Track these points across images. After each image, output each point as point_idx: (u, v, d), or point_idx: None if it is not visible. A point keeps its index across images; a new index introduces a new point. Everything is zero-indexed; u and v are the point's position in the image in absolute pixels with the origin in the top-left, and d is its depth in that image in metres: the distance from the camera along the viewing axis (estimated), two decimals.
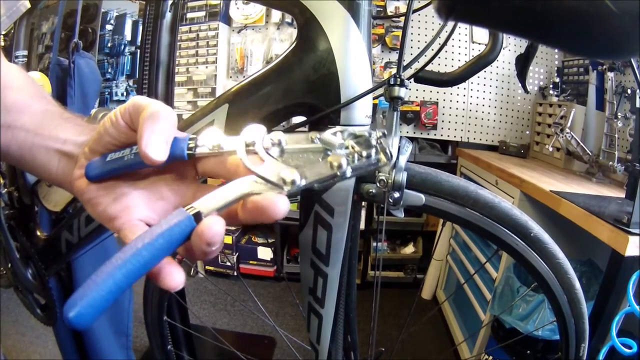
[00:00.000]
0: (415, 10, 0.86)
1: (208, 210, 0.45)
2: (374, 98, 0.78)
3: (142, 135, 0.48)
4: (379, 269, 3.16)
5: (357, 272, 3.47)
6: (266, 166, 0.48)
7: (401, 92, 0.70)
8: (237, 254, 3.74)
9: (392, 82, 0.70)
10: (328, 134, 0.50)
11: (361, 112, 0.73)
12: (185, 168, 0.56)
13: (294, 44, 0.74)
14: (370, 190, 0.73)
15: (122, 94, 4.30)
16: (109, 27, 4.18)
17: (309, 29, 0.71)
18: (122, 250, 0.42)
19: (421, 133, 3.42)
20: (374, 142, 0.51)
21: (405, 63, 0.88)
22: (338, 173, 0.47)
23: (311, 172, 0.47)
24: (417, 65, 0.98)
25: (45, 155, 0.59)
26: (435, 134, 3.42)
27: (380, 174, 0.69)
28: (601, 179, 2.33)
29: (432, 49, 0.99)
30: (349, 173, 0.48)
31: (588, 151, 2.45)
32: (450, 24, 1.09)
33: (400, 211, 0.71)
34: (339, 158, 0.47)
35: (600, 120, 2.53)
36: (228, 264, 3.69)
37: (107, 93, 4.18)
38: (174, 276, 0.47)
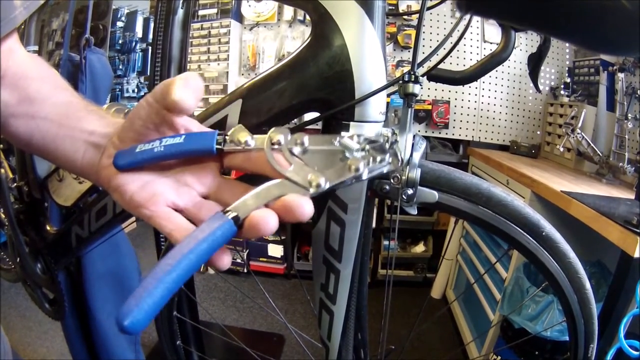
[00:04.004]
0: (429, 8, 0.86)
1: (245, 213, 0.49)
2: (387, 96, 0.78)
3: (170, 86, 0.51)
4: (390, 267, 3.16)
5: (368, 271, 3.47)
6: (293, 169, 0.53)
7: (415, 88, 0.70)
8: (247, 250, 3.75)
9: (406, 79, 0.70)
10: (347, 138, 0.55)
11: (375, 109, 0.73)
12: (211, 161, 0.58)
13: (307, 41, 0.73)
14: (384, 187, 0.73)
15: (133, 91, 4.32)
16: (120, 24, 4.21)
17: (323, 26, 0.71)
18: (169, 256, 0.45)
19: (432, 132, 3.42)
20: (387, 146, 0.56)
21: (418, 60, 0.88)
22: (356, 175, 0.52)
23: (333, 175, 0.52)
24: (429, 64, 0.98)
25: (71, 146, 0.61)
26: (446, 133, 3.42)
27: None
28: (611, 180, 2.32)
29: (444, 48, 0.99)
30: (365, 175, 0.53)
31: (598, 152, 2.44)
32: (464, 22, 1.09)
33: (413, 208, 0.72)
34: (358, 162, 0.52)
35: (611, 121, 2.53)
36: (238, 260, 3.69)
37: (117, 90, 4.21)
38: (222, 257, 0.51)
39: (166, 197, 0.55)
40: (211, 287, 3.48)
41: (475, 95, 3.36)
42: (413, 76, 0.70)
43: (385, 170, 0.56)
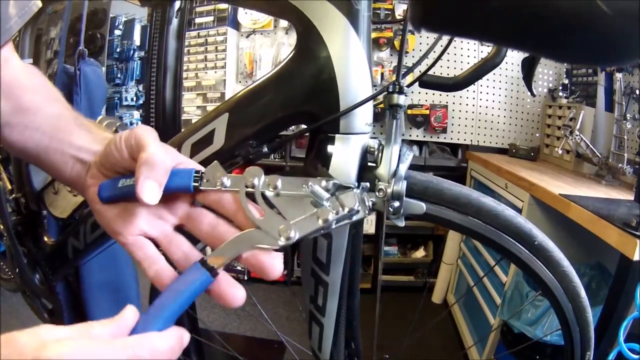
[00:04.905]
0: None
1: (220, 265, 0.53)
2: (379, 104, 0.77)
3: (138, 180, 0.53)
4: (382, 275, 3.15)
5: (368, 277, 3.47)
6: (266, 219, 0.55)
7: (400, 99, 0.70)
8: None
9: (391, 90, 0.70)
10: (317, 187, 0.58)
11: (361, 120, 0.72)
12: (185, 194, 0.60)
13: (292, 53, 0.73)
14: (371, 199, 0.73)
15: (132, 99, 4.31)
16: (117, 32, 4.20)
17: (307, 37, 0.71)
18: (155, 306, 0.51)
19: (431, 137, 3.41)
20: (357, 195, 0.60)
21: (411, 67, 0.88)
22: (324, 226, 0.56)
23: (302, 227, 0.56)
24: (426, 70, 0.97)
25: (61, 159, 0.63)
26: (445, 138, 3.41)
27: (380, 182, 0.68)
28: (611, 181, 2.31)
29: (435, 51, 0.98)
30: (333, 225, 0.57)
31: (597, 153, 2.43)
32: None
33: (401, 220, 0.70)
34: (327, 213, 0.57)
35: (610, 121, 2.52)
36: (239, 268, 3.67)
37: (116, 98, 4.20)
38: (235, 295, 0.55)
39: (140, 227, 0.58)
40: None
41: (473, 99, 3.35)
42: (398, 87, 0.69)
43: (353, 219, 0.60)
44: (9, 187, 1.53)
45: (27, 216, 1.48)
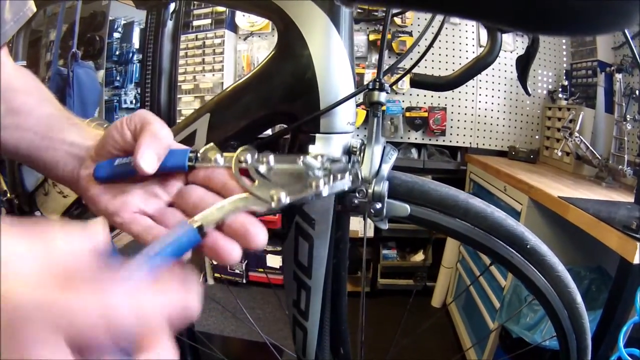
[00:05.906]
0: (395, 14, 0.84)
1: (208, 223, 0.52)
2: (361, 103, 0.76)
3: (139, 148, 0.55)
4: (381, 278, 3.12)
5: (367, 280, 3.44)
6: (257, 185, 0.57)
7: (381, 96, 0.68)
8: (246, 261, 3.72)
9: (371, 87, 0.68)
10: (310, 158, 0.58)
11: (342, 119, 0.71)
12: (178, 173, 0.61)
13: (273, 51, 0.72)
14: (353, 201, 0.71)
15: (131, 102, 4.30)
16: (116, 35, 4.18)
17: (288, 35, 0.69)
18: (137, 258, 0.47)
19: (430, 139, 3.40)
20: (349, 166, 0.59)
21: (393, 65, 0.86)
22: (316, 192, 0.56)
23: (294, 191, 0.56)
24: (419, 70, 0.95)
25: (53, 156, 0.64)
26: (444, 140, 3.40)
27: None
28: (611, 183, 2.29)
29: (419, 49, 0.97)
30: (325, 192, 0.56)
31: (597, 155, 2.41)
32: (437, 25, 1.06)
33: (384, 223, 0.68)
34: (318, 180, 0.56)
35: (610, 123, 2.50)
36: (237, 271, 3.67)
37: (115, 101, 4.18)
38: (231, 250, 0.52)
39: (136, 204, 0.59)
40: (209, 298, 3.46)
41: (472, 101, 3.34)
42: (378, 84, 0.68)
43: (345, 187, 0.58)
44: (4, 187, 1.53)
45: (20, 217, 1.48)
